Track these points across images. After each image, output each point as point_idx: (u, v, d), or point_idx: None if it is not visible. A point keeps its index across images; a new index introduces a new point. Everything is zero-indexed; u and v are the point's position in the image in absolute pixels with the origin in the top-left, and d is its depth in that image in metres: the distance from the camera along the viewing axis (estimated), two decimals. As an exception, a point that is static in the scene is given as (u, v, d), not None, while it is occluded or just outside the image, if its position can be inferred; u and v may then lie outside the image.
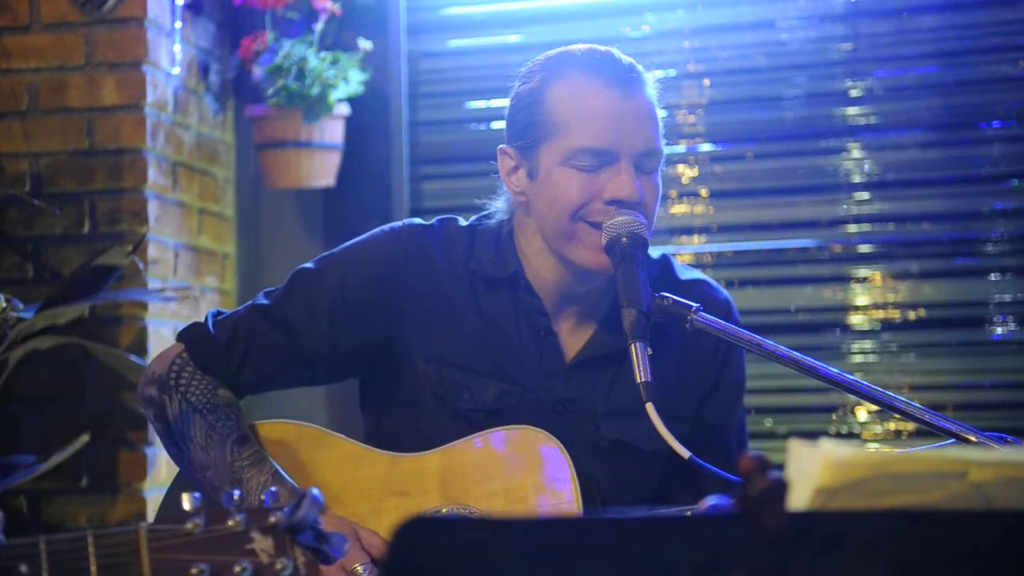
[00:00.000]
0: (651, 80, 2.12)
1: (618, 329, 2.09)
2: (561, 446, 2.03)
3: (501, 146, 2.18)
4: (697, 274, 2.28)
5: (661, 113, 2.13)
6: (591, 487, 2.06)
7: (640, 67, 2.12)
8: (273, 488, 1.41)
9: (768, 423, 3.62)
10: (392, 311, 2.17)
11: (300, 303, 2.18)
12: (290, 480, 2.06)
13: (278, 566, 1.36)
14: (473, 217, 2.27)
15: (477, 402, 2.14)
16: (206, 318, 2.21)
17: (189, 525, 1.36)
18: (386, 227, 2.25)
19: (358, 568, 1.98)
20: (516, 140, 2.14)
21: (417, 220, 2.27)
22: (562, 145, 2.06)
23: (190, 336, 2.19)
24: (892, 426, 3.55)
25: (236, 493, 1.39)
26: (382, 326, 2.18)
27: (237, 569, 1.35)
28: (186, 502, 1.37)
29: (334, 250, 2.26)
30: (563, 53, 2.15)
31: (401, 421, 2.19)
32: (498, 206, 2.25)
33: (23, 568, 1.35)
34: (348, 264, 2.20)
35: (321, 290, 2.18)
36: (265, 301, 2.21)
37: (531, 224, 2.16)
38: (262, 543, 1.36)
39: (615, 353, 2.15)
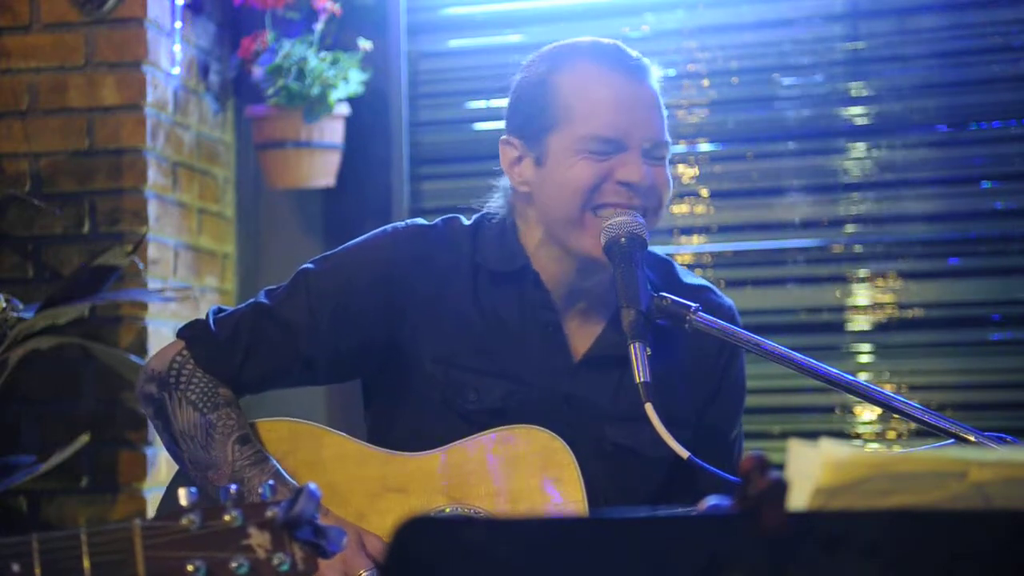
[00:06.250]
0: (656, 72, 2.13)
1: None
2: (566, 446, 2.02)
3: (504, 137, 2.17)
4: (701, 280, 2.28)
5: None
6: (594, 488, 2.04)
7: (646, 59, 2.13)
8: (271, 482, 1.39)
9: (766, 423, 3.62)
10: (395, 312, 2.16)
11: (302, 304, 2.16)
12: (292, 480, 2.05)
13: (275, 561, 1.34)
14: (475, 215, 2.26)
15: (483, 402, 2.13)
16: (207, 315, 2.19)
17: (184, 521, 1.34)
18: (388, 227, 2.23)
19: (362, 574, 1.97)
20: (521, 129, 2.14)
21: (420, 220, 2.25)
22: (572, 132, 2.06)
23: (191, 334, 2.18)
24: (892, 426, 3.55)
25: (233, 488, 1.37)
26: (385, 328, 2.16)
27: (233, 565, 1.33)
28: (182, 497, 1.36)
29: (336, 250, 2.24)
30: (569, 43, 2.15)
31: (406, 422, 2.17)
32: (495, 203, 2.24)
33: (15, 567, 1.34)
34: (350, 265, 2.19)
35: (323, 291, 2.16)
36: (267, 301, 2.19)
37: (533, 215, 2.15)
38: (259, 538, 1.34)
39: (623, 356, 2.14)
